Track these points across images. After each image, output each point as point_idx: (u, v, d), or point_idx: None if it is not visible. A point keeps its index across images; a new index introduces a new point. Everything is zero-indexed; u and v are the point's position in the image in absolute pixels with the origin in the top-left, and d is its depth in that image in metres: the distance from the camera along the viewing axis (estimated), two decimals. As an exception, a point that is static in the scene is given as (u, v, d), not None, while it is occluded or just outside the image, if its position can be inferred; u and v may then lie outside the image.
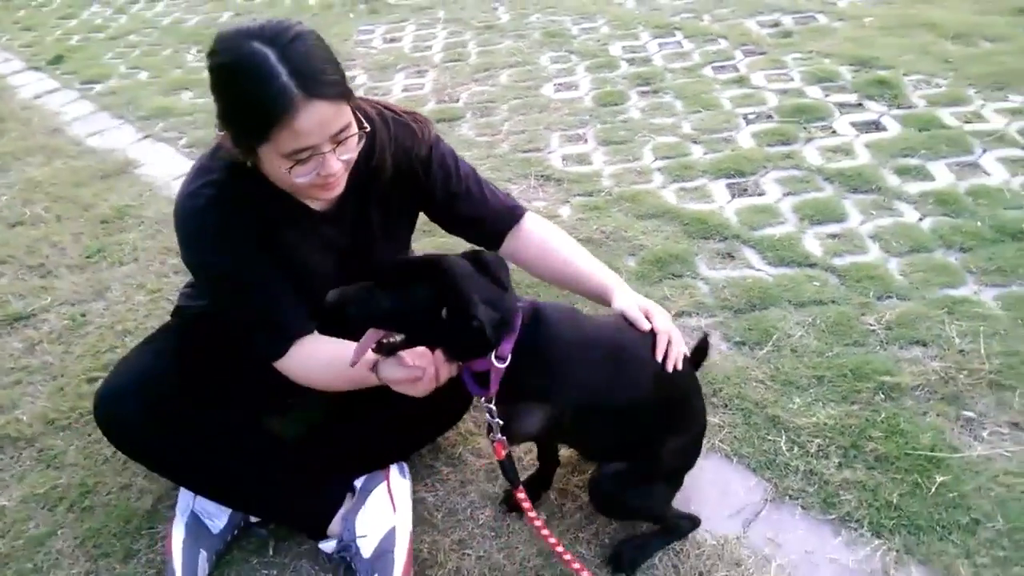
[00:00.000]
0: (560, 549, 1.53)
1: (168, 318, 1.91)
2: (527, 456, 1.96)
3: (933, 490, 1.79)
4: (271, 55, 1.29)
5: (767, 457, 1.92)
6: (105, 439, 1.70)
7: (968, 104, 3.53)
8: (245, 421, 1.77)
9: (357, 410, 1.86)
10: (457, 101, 4.05)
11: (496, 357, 1.38)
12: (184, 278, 2.72)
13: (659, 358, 1.53)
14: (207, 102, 4.30)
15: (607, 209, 2.96)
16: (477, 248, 1.55)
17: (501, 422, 1.46)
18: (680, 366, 1.54)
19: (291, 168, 1.37)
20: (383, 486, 1.76)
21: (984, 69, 3.82)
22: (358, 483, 1.78)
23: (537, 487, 1.84)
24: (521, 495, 1.53)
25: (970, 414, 1.99)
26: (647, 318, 1.57)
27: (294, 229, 1.58)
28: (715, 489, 1.85)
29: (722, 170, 3.15)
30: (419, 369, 1.44)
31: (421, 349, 1.45)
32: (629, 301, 1.61)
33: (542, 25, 4.96)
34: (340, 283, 1.66)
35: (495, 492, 1.88)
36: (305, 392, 1.87)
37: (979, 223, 2.71)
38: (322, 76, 1.32)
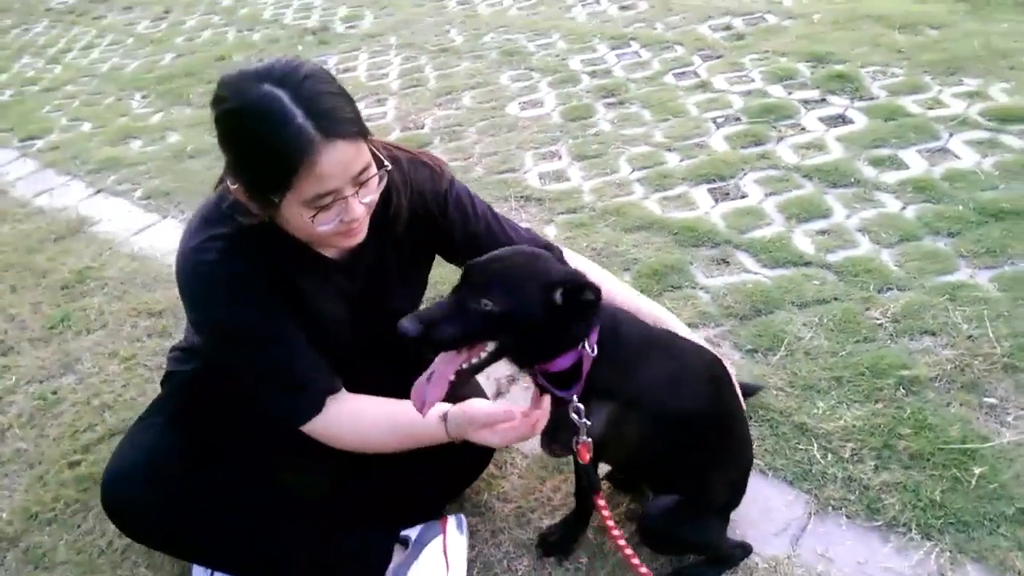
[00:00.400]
0: (636, 561, 1.48)
1: (151, 386, 1.78)
2: (556, 495, 1.88)
3: (973, 483, 1.77)
4: (284, 97, 1.22)
5: (802, 468, 1.87)
6: (98, 530, 1.58)
7: (927, 91, 3.59)
8: (262, 483, 1.65)
9: (379, 460, 1.76)
10: (423, 127, 3.97)
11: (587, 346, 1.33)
12: (162, 341, 2.60)
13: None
14: (159, 149, 4.14)
15: (593, 225, 2.91)
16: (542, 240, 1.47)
17: (588, 422, 1.38)
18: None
19: (314, 216, 1.28)
20: (438, 541, 1.66)
21: (935, 56, 3.91)
22: (412, 534, 1.68)
23: (575, 528, 1.76)
24: (601, 501, 1.48)
25: (992, 400, 1.98)
26: None
27: (308, 280, 1.48)
28: (756, 507, 1.79)
29: (701, 175, 3.13)
30: (509, 411, 1.41)
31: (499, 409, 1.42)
32: (654, 316, 1.57)
33: (497, 44, 4.92)
34: (354, 334, 1.58)
35: (529, 538, 1.79)
36: (320, 446, 1.78)
37: (960, 207, 2.74)
38: (339, 115, 1.26)
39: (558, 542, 1.75)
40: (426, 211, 1.60)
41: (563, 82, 4.23)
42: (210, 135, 4.07)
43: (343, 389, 1.53)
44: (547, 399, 1.39)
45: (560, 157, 3.47)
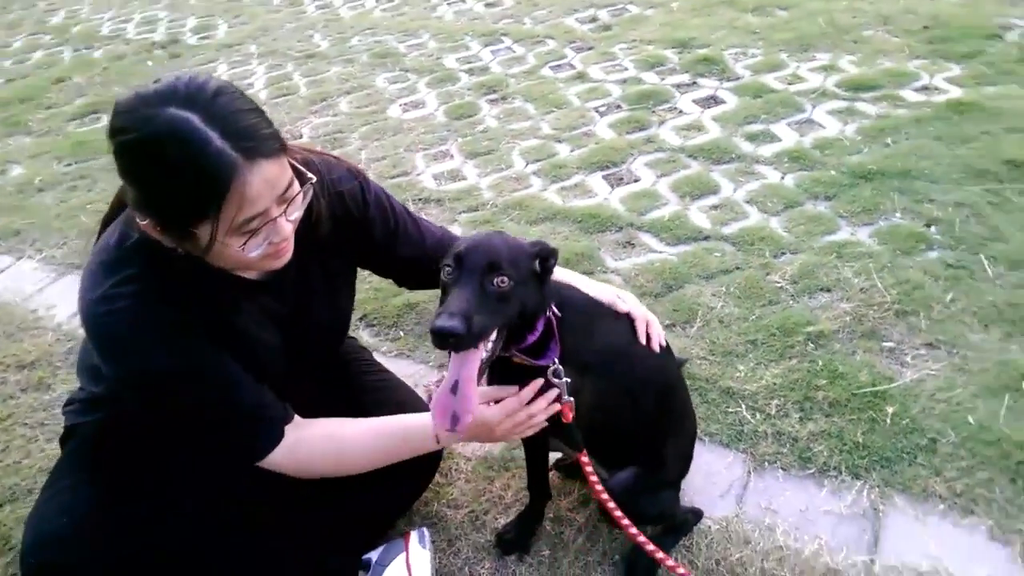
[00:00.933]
0: (618, 514, 1.49)
1: (36, 446, 1.60)
2: (507, 493, 1.86)
3: (888, 422, 1.91)
4: (195, 119, 1.09)
5: (735, 430, 1.95)
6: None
7: (785, 68, 3.85)
8: (202, 526, 1.53)
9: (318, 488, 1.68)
10: (300, 136, 3.83)
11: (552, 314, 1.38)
12: (40, 395, 2.37)
13: (642, 340, 1.53)
14: (2, 184, 3.75)
15: (497, 221, 2.91)
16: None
17: (569, 380, 1.39)
18: (663, 344, 1.57)
19: (244, 244, 1.18)
20: (401, 559, 1.60)
21: (787, 35, 4.19)
22: (373, 555, 1.61)
23: (531, 522, 1.75)
24: (585, 458, 1.48)
25: (890, 344, 2.15)
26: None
27: (235, 308, 1.37)
28: (699, 474, 1.85)
29: (594, 163, 3.21)
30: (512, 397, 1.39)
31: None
32: (598, 290, 1.59)
33: (366, 47, 4.82)
34: (286, 355, 1.49)
35: (487, 540, 1.77)
36: (257, 473, 1.68)
37: (832, 172, 2.95)
38: (258, 132, 1.14)
39: (516, 539, 1.74)
40: (346, 212, 1.52)
41: (441, 81, 4.20)
42: (58, 163, 3.81)
43: (296, 415, 1.44)
44: (538, 383, 1.40)
45: (452, 156, 3.45)
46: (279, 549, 1.58)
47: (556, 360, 1.39)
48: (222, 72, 4.82)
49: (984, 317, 2.18)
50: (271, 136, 1.17)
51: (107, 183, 3.62)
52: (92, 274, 1.28)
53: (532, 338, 1.37)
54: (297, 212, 1.26)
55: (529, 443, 1.66)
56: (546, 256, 1.33)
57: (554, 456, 1.83)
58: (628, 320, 1.55)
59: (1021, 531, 1.64)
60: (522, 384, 1.42)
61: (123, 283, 1.24)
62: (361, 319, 2.46)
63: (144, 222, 1.18)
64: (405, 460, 1.62)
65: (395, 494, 1.74)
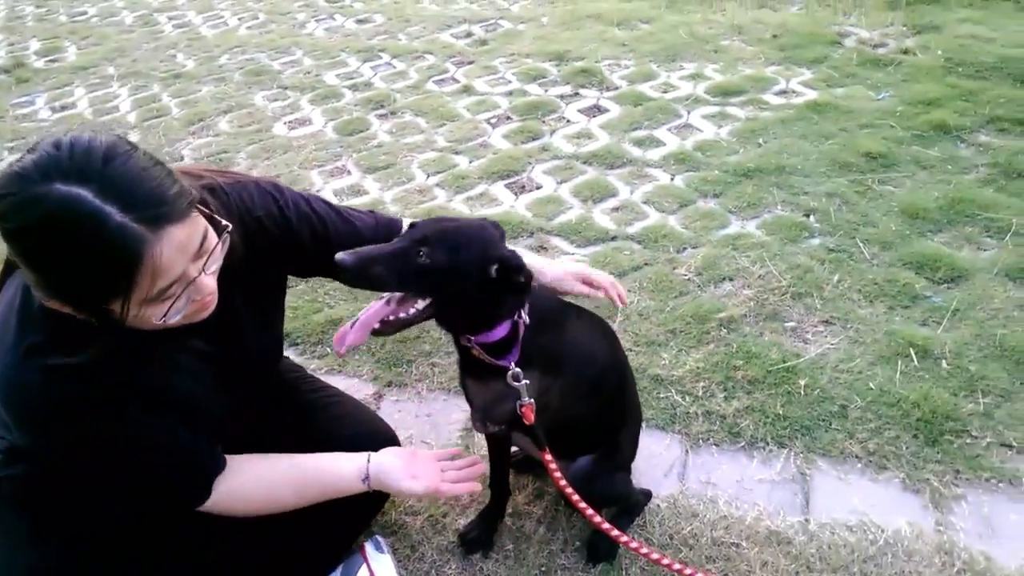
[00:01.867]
0: (582, 505, 1.52)
1: None
2: (464, 496, 1.87)
3: (802, 393, 2.08)
4: (86, 195, 0.98)
5: (668, 413, 2.06)
6: None
7: (657, 77, 4.09)
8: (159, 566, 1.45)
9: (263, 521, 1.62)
10: (182, 158, 3.64)
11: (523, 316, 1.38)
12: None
13: (616, 303, 1.65)
14: None
15: (406, 233, 2.90)
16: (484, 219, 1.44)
17: (528, 381, 1.40)
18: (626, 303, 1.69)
19: (165, 313, 1.11)
20: (363, 571, 1.57)
21: (654, 47, 4.46)
22: (336, 574, 1.56)
23: (494, 519, 1.77)
24: (548, 456, 1.50)
25: (792, 324, 2.34)
26: (587, 282, 1.66)
27: (161, 357, 1.29)
28: (640, 457, 1.92)
29: (494, 173, 3.27)
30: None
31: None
32: (562, 268, 1.66)
33: (238, 65, 4.66)
34: (225, 393, 1.43)
35: (450, 542, 1.77)
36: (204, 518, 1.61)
37: (716, 171, 3.17)
38: (162, 195, 1.05)
39: (479, 537, 1.75)
40: (266, 235, 1.45)
41: (325, 98, 4.13)
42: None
43: (226, 459, 1.42)
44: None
45: (349, 172, 3.40)
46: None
47: (514, 363, 1.40)
48: (80, 96, 4.49)
49: (868, 294, 2.42)
50: (178, 195, 1.07)
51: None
52: (7, 331, 1.16)
53: (494, 336, 1.39)
54: (216, 264, 1.18)
55: (492, 441, 1.69)
56: (511, 269, 1.31)
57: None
58: (589, 318, 1.60)
59: (928, 480, 1.84)
60: (485, 380, 1.45)
61: (32, 354, 1.13)
62: (284, 338, 2.38)
63: (51, 303, 1.08)
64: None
65: (351, 514, 1.70)
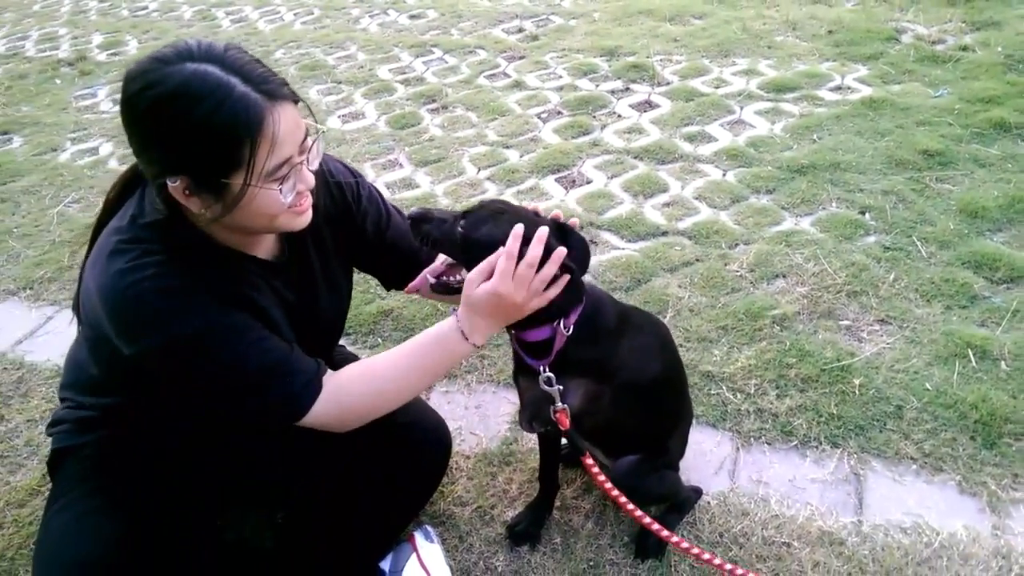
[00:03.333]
0: (630, 507, 1.51)
1: (12, 478, 1.51)
2: (512, 486, 1.90)
3: (857, 393, 2.05)
4: (215, 70, 1.13)
5: (719, 410, 2.06)
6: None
7: (709, 73, 4.05)
8: (214, 548, 1.50)
9: (322, 501, 1.67)
10: (239, 152, 3.73)
11: (563, 325, 1.38)
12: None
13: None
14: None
15: (457, 226, 2.94)
16: (561, 222, 1.41)
17: (562, 387, 1.42)
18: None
19: (280, 188, 1.20)
20: (413, 560, 1.60)
21: (705, 42, 4.42)
22: (385, 565, 1.60)
23: (542, 512, 1.79)
24: (589, 461, 1.51)
25: (847, 322, 2.31)
26: None
27: (252, 286, 1.37)
28: (691, 453, 1.93)
29: (545, 167, 3.29)
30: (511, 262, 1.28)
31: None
32: None
33: (293, 60, 4.75)
34: (296, 341, 1.48)
35: (498, 533, 1.79)
36: (260, 492, 1.68)
37: (769, 167, 3.14)
38: (272, 78, 1.18)
39: (527, 529, 1.77)
40: (343, 201, 1.54)
41: (378, 92, 4.19)
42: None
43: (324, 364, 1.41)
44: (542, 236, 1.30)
45: (401, 165, 3.45)
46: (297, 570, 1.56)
47: (545, 368, 1.41)
48: (141, 88, 4.63)
49: (925, 293, 2.38)
50: (284, 83, 1.21)
51: (31, 206, 3.43)
52: (107, 255, 1.24)
53: (534, 336, 1.40)
54: (317, 160, 1.28)
55: (543, 435, 1.71)
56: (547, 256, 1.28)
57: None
58: (649, 326, 1.60)
59: (986, 483, 1.80)
60: (536, 380, 1.44)
61: (143, 255, 1.22)
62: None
63: (175, 184, 1.17)
64: (416, 459, 1.65)
65: (406, 496, 1.74)
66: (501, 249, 1.27)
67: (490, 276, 1.29)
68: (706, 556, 1.50)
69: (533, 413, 1.51)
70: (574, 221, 1.40)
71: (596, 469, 1.51)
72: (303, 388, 1.32)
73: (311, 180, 1.27)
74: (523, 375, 1.52)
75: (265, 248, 1.41)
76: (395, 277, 1.73)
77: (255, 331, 1.29)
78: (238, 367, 1.26)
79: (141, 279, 1.20)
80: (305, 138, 1.23)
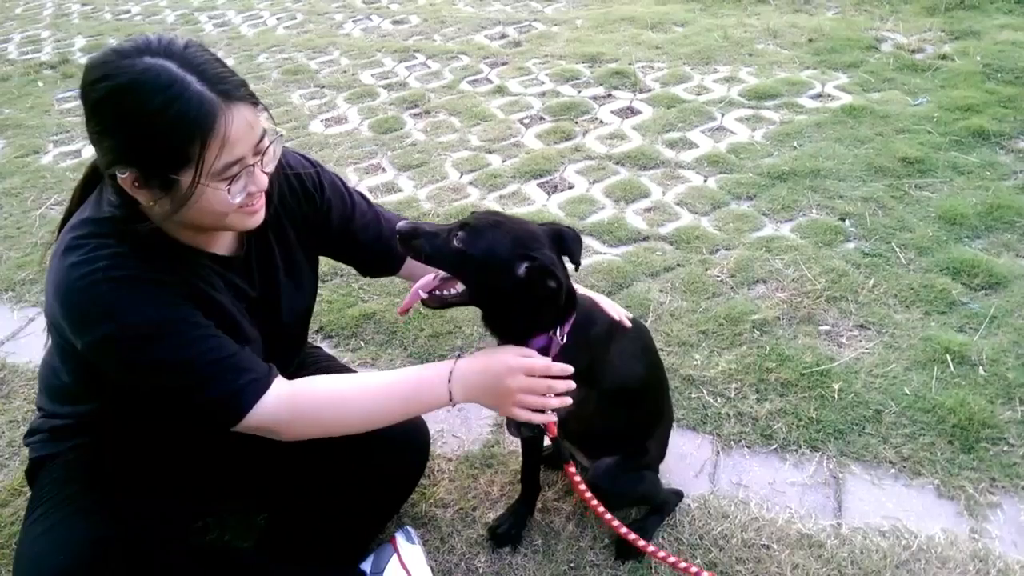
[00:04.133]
0: (608, 516, 1.52)
1: None
2: (493, 488, 1.89)
3: (836, 397, 2.06)
4: (171, 65, 1.13)
5: (699, 414, 2.06)
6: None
7: (691, 80, 4.08)
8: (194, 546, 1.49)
9: (300, 502, 1.65)
10: (220, 155, 3.71)
11: (558, 334, 1.38)
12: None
13: (619, 319, 1.57)
14: None
15: (439, 230, 2.93)
16: (555, 223, 1.44)
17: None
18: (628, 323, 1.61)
19: (228, 188, 1.19)
20: (394, 560, 1.59)
21: (687, 49, 4.44)
22: (367, 566, 1.59)
23: (523, 514, 1.78)
24: (572, 469, 1.51)
25: (826, 327, 2.33)
26: None
27: (209, 278, 1.36)
28: (671, 456, 1.92)
29: (527, 172, 3.29)
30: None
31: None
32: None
33: (276, 64, 4.73)
34: (261, 337, 1.47)
35: (480, 535, 1.78)
36: (239, 494, 1.67)
37: (750, 174, 3.16)
38: (230, 79, 1.18)
39: (508, 531, 1.76)
40: (305, 191, 1.53)
41: (360, 97, 4.18)
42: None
43: (276, 370, 1.37)
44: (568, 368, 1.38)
45: (384, 169, 3.44)
46: (277, 571, 1.54)
47: None
48: (121, 91, 4.59)
49: (904, 299, 2.40)
50: (243, 85, 1.21)
51: (12, 208, 3.39)
52: (62, 251, 1.24)
53: (532, 345, 1.40)
54: (271, 164, 1.27)
55: (526, 440, 1.71)
56: (539, 271, 1.29)
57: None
58: (635, 332, 1.60)
59: (963, 487, 1.81)
60: None
61: (97, 248, 1.22)
62: (318, 331, 2.42)
63: (124, 175, 1.16)
64: (394, 459, 1.64)
65: (384, 497, 1.73)
66: (547, 363, 1.36)
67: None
68: (682, 565, 1.50)
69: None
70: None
71: (578, 478, 1.51)
72: (246, 385, 1.29)
73: (263, 182, 1.25)
74: None
75: (223, 244, 1.40)
76: (369, 264, 1.72)
77: (204, 327, 1.28)
78: (184, 360, 1.25)
79: (94, 270, 1.20)
80: (261, 140, 1.22)
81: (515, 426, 1.52)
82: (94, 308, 1.21)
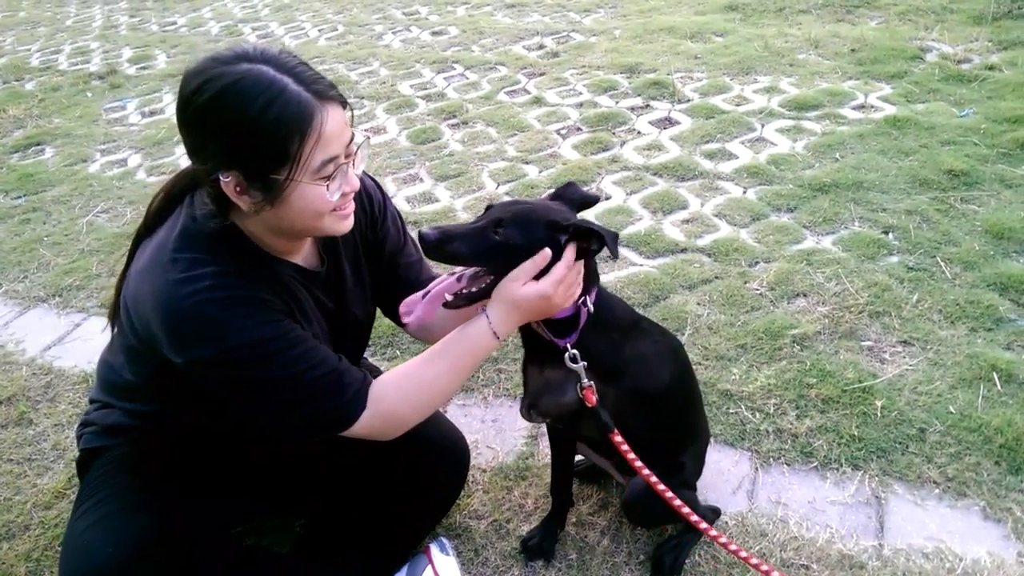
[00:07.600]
0: (654, 480, 1.49)
1: (26, 481, 1.55)
2: (527, 501, 1.89)
3: (879, 415, 2.02)
4: (269, 70, 1.19)
5: (738, 429, 2.03)
6: None
7: (730, 90, 4.05)
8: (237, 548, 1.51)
9: (340, 508, 1.68)
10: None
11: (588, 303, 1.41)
12: (22, 430, 2.26)
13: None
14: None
15: (476, 240, 2.95)
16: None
17: (586, 364, 1.43)
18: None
19: (328, 186, 1.23)
20: (428, 572, 1.60)
21: (727, 59, 4.41)
22: (401, 574, 1.60)
23: (555, 527, 1.77)
24: (618, 438, 1.49)
25: (868, 343, 2.28)
26: None
27: (299, 293, 1.41)
28: (709, 472, 1.90)
29: (564, 183, 3.28)
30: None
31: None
32: None
33: (317, 76, 4.81)
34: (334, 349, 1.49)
35: (513, 548, 1.78)
36: (279, 499, 1.70)
37: (790, 185, 3.12)
38: (322, 81, 1.24)
39: (540, 544, 1.75)
40: (372, 212, 1.58)
41: (399, 107, 4.23)
42: (4, 197, 3.63)
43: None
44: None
45: (422, 179, 3.47)
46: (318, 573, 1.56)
47: (569, 345, 1.43)
48: (168, 101, 4.71)
49: (949, 314, 2.35)
50: (331, 85, 1.26)
51: (61, 215, 3.49)
52: (160, 265, 1.27)
53: (562, 314, 1.41)
54: (361, 166, 1.32)
55: (556, 447, 1.70)
56: (581, 236, 1.34)
57: (578, 457, 1.86)
58: (660, 335, 1.60)
59: (1011, 509, 1.76)
60: (543, 368, 1.49)
61: (196, 264, 1.26)
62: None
63: (227, 180, 1.21)
64: (434, 471, 1.65)
65: (423, 507, 1.74)
66: (546, 252, 1.32)
67: (535, 277, 1.33)
68: (754, 561, 1.45)
69: (533, 400, 1.53)
70: None
71: (626, 447, 1.49)
72: (353, 398, 1.34)
73: (356, 183, 1.30)
74: (532, 364, 1.54)
75: (306, 256, 1.44)
76: (394, 307, 1.73)
77: (307, 342, 1.32)
78: (290, 378, 1.29)
79: (199, 289, 1.23)
80: (351, 141, 1.27)
81: (527, 408, 1.53)
82: (200, 328, 1.24)
